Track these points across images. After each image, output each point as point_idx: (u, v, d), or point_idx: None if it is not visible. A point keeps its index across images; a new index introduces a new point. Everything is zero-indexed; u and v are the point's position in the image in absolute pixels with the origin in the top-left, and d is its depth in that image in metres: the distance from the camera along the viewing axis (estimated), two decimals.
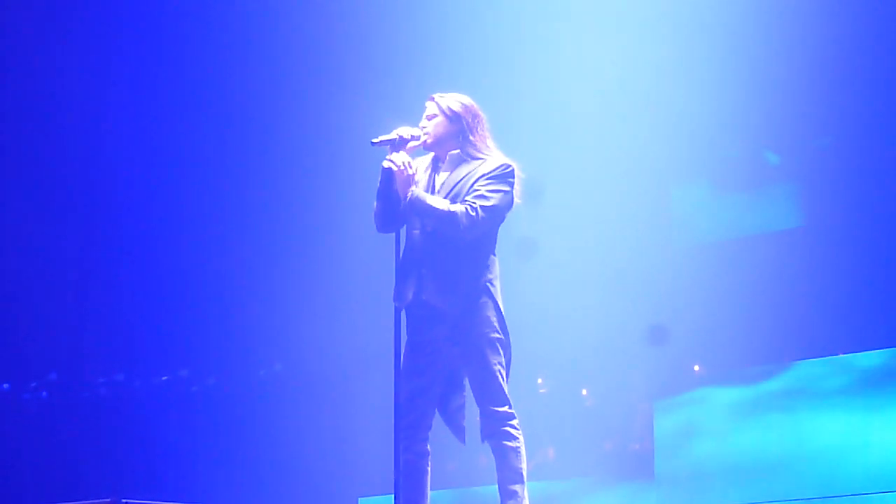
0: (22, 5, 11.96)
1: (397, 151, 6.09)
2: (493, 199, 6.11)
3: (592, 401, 11.61)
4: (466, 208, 6.05)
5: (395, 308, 6.06)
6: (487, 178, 6.14)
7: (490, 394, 6.10)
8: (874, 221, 10.45)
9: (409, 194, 6.06)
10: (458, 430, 6.21)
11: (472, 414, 6.24)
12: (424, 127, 6.25)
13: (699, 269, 11.02)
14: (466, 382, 6.23)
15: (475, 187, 6.12)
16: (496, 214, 6.14)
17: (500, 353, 6.13)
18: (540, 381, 11.67)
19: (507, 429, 6.11)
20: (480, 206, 6.06)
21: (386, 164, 6.09)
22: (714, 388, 9.93)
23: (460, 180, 6.18)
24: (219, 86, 11.98)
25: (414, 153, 6.24)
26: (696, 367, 11.01)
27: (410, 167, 6.08)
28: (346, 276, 11.42)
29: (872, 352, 9.50)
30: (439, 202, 6.07)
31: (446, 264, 6.11)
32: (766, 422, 9.51)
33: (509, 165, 6.20)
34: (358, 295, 11.25)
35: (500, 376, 6.11)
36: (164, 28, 12.18)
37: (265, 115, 12.03)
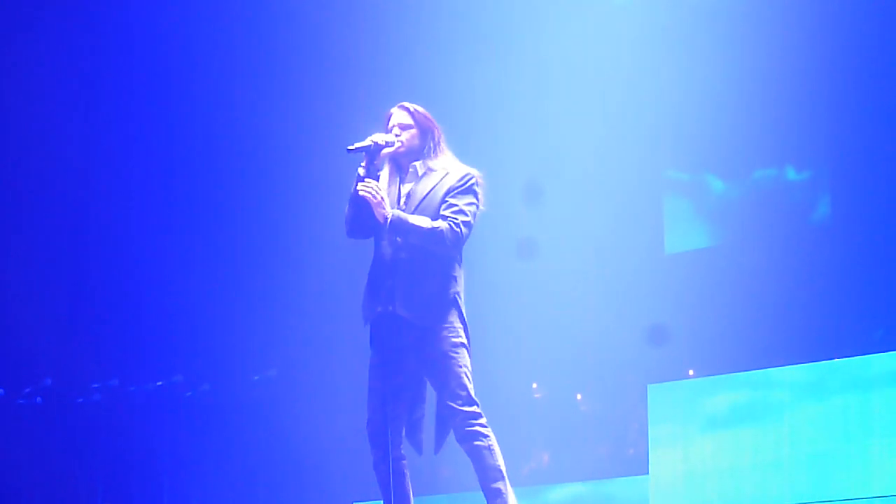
0: (20, 5, 11.96)
1: (372, 158, 6.17)
2: (470, 214, 6.21)
3: (587, 406, 11.61)
4: (450, 225, 6.14)
5: (364, 320, 6.13)
6: (459, 192, 6.23)
7: (457, 395, 6.13)
8: (876, 225, 10.45)
9: (390, 216, 6.12)
10: (417, 443, 6.28)
11: (429, 425, 6.29)
12: (398, 135, 6.30)
13: (695, 272, 11.02)
14: (426, 395, 6.30)
15: (449, 201, 6.20)
16: (472, 228, 6.25)
17: (465, 357, 6.18)
18: (535, 385, 11.67)
19: (477, 428, 6.15)
20: (462, 222, 6.16)
21: (361, 189, 6.14)
22: (710, 393, 9.93)
23: (428, 193, 6.25)
24: (212, 104, 12.02)
25: (385, 160, 6.30)
26: (691, 372, 11.00)
27: (379, 192, 6.14)
28: (339, 281, 11.40)
29: (868, 356, 9.50)
30: (421, 220, 6.14)
31: (415, 277, 6.18)
32: (761, 426, 9.51)
33: (473, 175, 6.27)
34: (352, 301, 11.22)
35: (465, 377, 6.16)
36: (161, 34, 12.19)
37: (255, 123, 12.05)
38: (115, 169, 12.35)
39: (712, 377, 10.30)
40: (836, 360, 9.70)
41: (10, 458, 11.96)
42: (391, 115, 6.36)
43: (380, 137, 6.22)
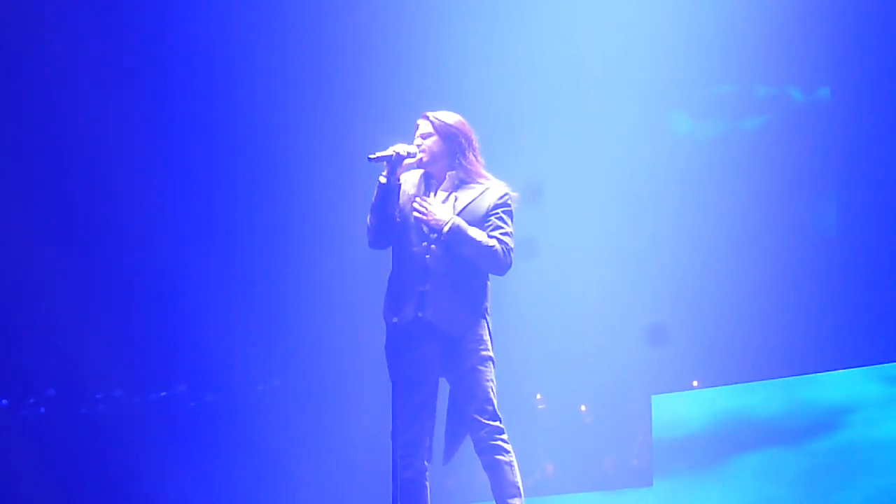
0: (21, 6, 11.97)
1: (394, 168, 6.13)
2: (513, 241, 6.22)
3: (591, 416, 11.60)
4: (503, 248, 6.12)
5: (387, 324, 6.10)
6: (504, 212, 6.20)
7: (484, 409, 6.14)
8: (885, 236, 10.43)
9: (449, 223, 6.07)
10: (428, 451, 6.26)
11: (438, 435, 6.28)
12: (420, 144, 6.27)
13: (700, 283, 11.01)
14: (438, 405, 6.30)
15: (495, 221, 6.16)
16: None
17: (491, 370, 6.18)
18: (539, 396, 11.67)
19: (499, 443, 6.15)
20: (510, 248, 6.18)
21: (417, 206, 6.14)
22: (714, 404, 9.93)
23: (466, 206, 6.21)
24: (222, 112, 12.03)
25: (408, 170, 6.27)
26: (695, 383, 11.00)
27: (429, 206, 6.15)
28: (344, 291, 11.42)
29: (871, 367, 9.50)
30: (478, 233, 6.11)
31: (449, 286, 6.14)
32: (766, 437, 9.51)
33: (511, 196, 6.28)
34: (357, 311, 11.24)
35: (491, 392, 6.15)
36: (163, 40, 12.20)
37: (266, 132, 12.05)
38: (122, 180, 12.33)
39: (716, 388, 10.29)
40: (839, 370, 9.70)
41: (14, 469, 11.96)
42: (417, 126, 6.35)
43: (402, 148, 6.18)
